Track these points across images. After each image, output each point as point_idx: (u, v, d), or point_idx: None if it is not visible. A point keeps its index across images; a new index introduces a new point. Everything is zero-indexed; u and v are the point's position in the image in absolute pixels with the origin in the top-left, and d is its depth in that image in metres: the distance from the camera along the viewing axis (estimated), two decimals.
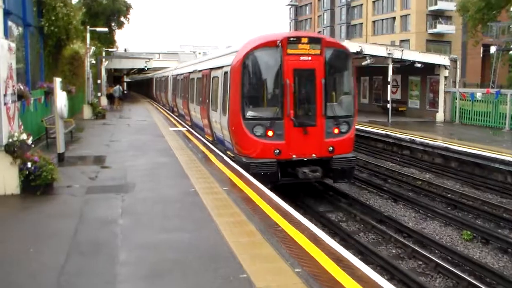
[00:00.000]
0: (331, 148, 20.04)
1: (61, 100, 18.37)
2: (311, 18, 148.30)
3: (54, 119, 21.19)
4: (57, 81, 18.60)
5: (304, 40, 19.50)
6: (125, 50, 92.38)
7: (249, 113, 19.55)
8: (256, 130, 19.45)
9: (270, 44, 19.46)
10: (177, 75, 41.81)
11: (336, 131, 20.17)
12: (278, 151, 19.49)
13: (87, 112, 40.92)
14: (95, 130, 31.20)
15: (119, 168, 17.75)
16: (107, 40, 69.56)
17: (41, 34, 29.48)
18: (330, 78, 20.16)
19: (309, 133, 19.73)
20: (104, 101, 51.81)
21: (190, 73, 32.94)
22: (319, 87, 19.71)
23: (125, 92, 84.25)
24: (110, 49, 67.84)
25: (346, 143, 20.34)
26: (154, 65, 70.75)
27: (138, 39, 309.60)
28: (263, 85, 19.82)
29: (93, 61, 46.97)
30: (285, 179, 19.56)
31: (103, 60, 55.63)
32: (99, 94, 52.05)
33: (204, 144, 23.82)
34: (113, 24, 71.88)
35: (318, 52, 19.62)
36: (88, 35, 44.60)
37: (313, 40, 19.66)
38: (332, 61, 20.02)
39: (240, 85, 19.52)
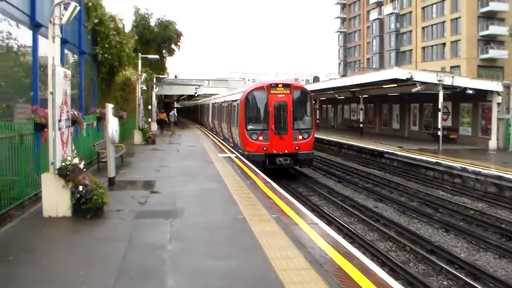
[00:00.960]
0: (297, 147, 32.32)
1: (112, 125, 18.60)
2: (360, 45, 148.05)
3: (106, 144, 21.47)
4: (109, 106, 18.84)
5: (280, 85, 32.60)
6: (176, 76, 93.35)
7: (249, 127, 32.64)
8: (253, 136, 32.38)
9: (261, 88, 32.81)
10: (215, 103, 56.23)
11: (300, 137, 32.43)
12: (265, 148, 32.20)
13: (137, 137, 41.37)
14: (145, 155, 31.51)
15: (168, 194, 17.85)
16: (158, 67, 70.32)
17: (95, 61, 30.06)
18: (296, 107, 32.52)
19: (283, 138, 32.26)
20: (154, 127, 52.33)
21: (221, 102, 47.42)
22: (289, 112, 32.23)
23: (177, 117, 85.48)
24: (160, 76, 68.60)
25: (306, 144, 32.47)
26: (204, 91, 71.20)
27: (189, 65, 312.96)
28: (257, 111, 32.82)
29: (144, 88, 47.52)
30: (270, 166, 32.00)
31: (154, 86, 56.28)
32: (149, 119, 52.59)
33: (253, 171, 23.84)
34: (164, 51, 72.69)
35: (288, 92, 32.43)
36: (139, 62, 45.22)
37: (285, 85, 32.61)
38: (297, 97, 32.58)
39: (244, 111, 32.78)
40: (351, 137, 55.15)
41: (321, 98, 72.90)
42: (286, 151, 32.33)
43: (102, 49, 29.79)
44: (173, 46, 73.85)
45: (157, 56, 53.97)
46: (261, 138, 32.32)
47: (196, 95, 70.05)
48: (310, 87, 51.49)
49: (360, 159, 44.23)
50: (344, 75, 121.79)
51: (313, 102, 34.53)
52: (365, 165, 40.82)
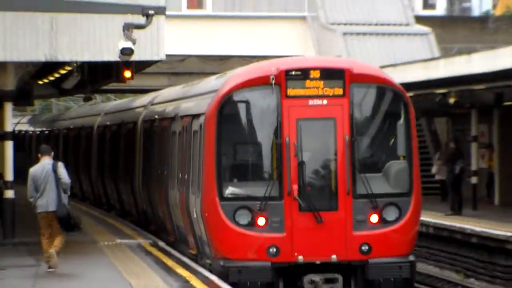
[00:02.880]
0: (365, 247, 13.99)
1: None
2: None
3: None
4: None
5: (315, 72, 14.14)
6: None
7: (230, 189, 14.12)
8: (240, 215, 13.88)
9: (260, 81, 14.21)
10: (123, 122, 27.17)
11: (375, 218, 14.08)
12: (274, 250, 13.81)
13: None
14: None
15: None
16: None
17: None
18: (365, 135, 14.38)
19: (326, 223, 13.88)
20: None
21: (150, 121, 22.32)
22: (342, 148, 13.95)
23: None
24: None
25: (394, 237, 14.16)
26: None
27: None
28: (250, 145, 14.50)
29: None
30: None
31: None
32: None
33: None
34: None
35: (340, 91, 14.07)
36: None
37: (330, 72, 14.26)
38: (369, 106, 14.51)
39: (215, 145, 14.12)
40: None
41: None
42: (334, 257, 13.84)
43: None
44: None
45: None
46: (261, 221, 13.93)
47: None
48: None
49: None
50: None
51: (413, 116, 14.85)
52: None
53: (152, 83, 44.07)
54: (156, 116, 21.15)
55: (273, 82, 13.91)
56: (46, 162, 13.80)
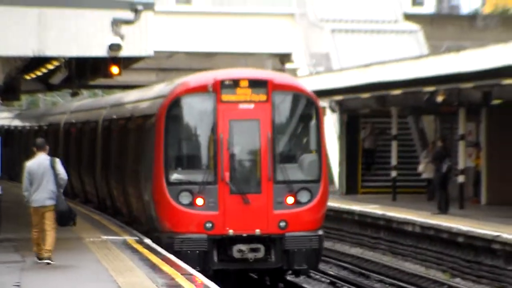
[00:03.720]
0: (283, 222, 17.38)
1: None
2: None
3: None
4: None
5: (244, 82, 17.59)
6: None
7: (174, 176, 17.56)
8: (182, 197, 17.25)
9: (200, 89, 17.74)
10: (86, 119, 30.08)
11: (291, 199, 17.50)
12: (210, 224, 17.19)
13: None
14: None
15: None
16: None
17: None
18: (283, 132, 17.91)
19: (252, 203, 17.27)
20: None
21: (108, 119, 25.60)
22: (265, 143, 17.37)
23: None
24: None
25: (307, 216, 17.61)
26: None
27: None
28: (192, 141, 18.33)
29: None
30: (221, 265, 17.28)
31: None
32: None
33: None
34: None
35: (264, 97, 17.51)
36: None
37: (255, 83, 17.73)
38: (286, 109, 17.99)
39: (164, 140, 17.54)
40: None
41: None
42: (258, 231, 17.30)
43: None
44: None
45: None
46: (200, 201, 17.28)
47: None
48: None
49: None
50: None
51: (322, 118, 18.94)
52: None
53: (139, 78, 43.93)
54: (115, 116, 24.41)
55: (211, 89, 17.36)
56: (43, 157, 13.98)
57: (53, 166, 13.76)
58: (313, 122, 18.13)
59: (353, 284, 21.06)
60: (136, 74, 41.66)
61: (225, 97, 17.44)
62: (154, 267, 13.59)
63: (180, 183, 17.49)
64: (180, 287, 10.95)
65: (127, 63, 21.62)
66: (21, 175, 14.43)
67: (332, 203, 31.14)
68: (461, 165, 28.07)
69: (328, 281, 21.86)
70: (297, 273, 18.84)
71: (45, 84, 33.26)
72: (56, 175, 13.72)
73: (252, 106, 17.52)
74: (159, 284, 11.38)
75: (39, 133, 38.46)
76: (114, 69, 19.16)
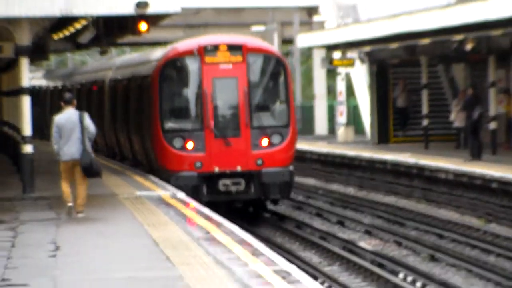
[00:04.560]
0: (259, 160, 21.20)
1: None
2: None
3: None
4: None
5: (223, 47, 21.23)
6: None
7: (168, 125, 21.52)
8: (175, 142, 21.11)
9: (187, 53, 21.55)
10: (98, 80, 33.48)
11: (265, 142, 21.31)
12: (199, 164, 20.99)
13: None
14: None
15: None
16: None
17: None
18: (256, 86, 21.64)
19: (233, 145, 21.13)
20: None
21: (114, 81, 29.52)
22: (242, 96, 21.07)
23: None
24: None
25: (279, 155, 21.47)
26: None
27: None
28: (182, 96, 22.23)
29: None
30: (210, 198, 20.44)
31: None
32: None
33: None
34: None
35: (240, 59, 21.14)
36: None
37: (232, 47, 21.29)
38: (258, 68, 21.73)
39: (159, 96, 21.48)
40: None
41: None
42: (239, 167, 21.08)
43: None
44: None
45: None
46: (190, 145, 21.03)
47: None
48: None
49: None
50: None
51: (290, 75, 22.81)
52: None
53: (167, 35, 43.70)
54: (119, 77, 28.47)
55: (196, 53, 21.21)
56: (71, 111, 14.31)
57: (81, 121, 14.02)
58: (282, 78, 22.00)
59: (389, 232, 21.06)
60: (163, 31, 41.49)
61: (208, 59, 21.08)
62: (189, 221, 13.70)
63: (173, 130, 21.40)
64: (216, 240, 10.96)
65: (154, 20, 21.59)
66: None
67: (365, 153, 31.25)
68: (492, 112, 27.81)
69: (363, 230, 21.89)
70: (274, 202, 22.94)
71: (73, 43, 33.32)
72: (84, 129, 13.97)
73: (230, 66, 21.24)
74: (195, 237, 11.40)
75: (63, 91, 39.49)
76: (142, 26, 19.33)
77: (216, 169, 21.01)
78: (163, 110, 21.54)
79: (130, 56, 33.73)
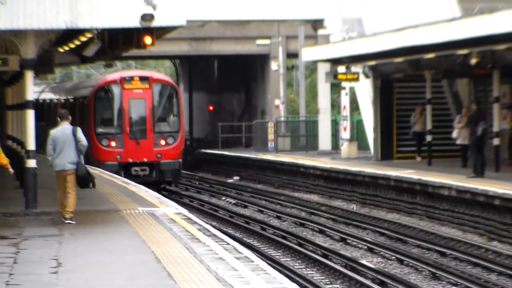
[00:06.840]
0: (159, 155, 31.89)
1: None
2: None
3: None
4: None
5: (136, 78, 32.45)
6: None
7: (99, 130, 32.63)
8: (103, 141, 31.99)
9: (113, 82, 32.84)
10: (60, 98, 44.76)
11: (163, 142, 32.22)
12: (119, 156, 31.79)
13: None
14: None
15: None
16: None
17: None
18: (158, 105, 32.89)
19: (141, 144, 31.84)
20: None
21: (71, 98, 40.13)
22: (148, 111, 32.00)
23: None
24: None
25: (172, 151, 32.36)
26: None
27: None
28: (109, 110, 33.40)
29: None
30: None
31: None
32: None
33: None
34: None
35: (147, 86, 32.15)
36: None
37: (142, 78, 32.41)
38: (159, 92, 32.88)
39: (94, 110, 32.86)
40: None
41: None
42: (145, 159, 32.07)
43: None
44: None
45: None
46: (113, 144, 32.04)
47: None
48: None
49: None
50: None
51: (181, 97, 35.76)
52: None
53: (172, 48, 43.98)
54: (70, 96, 40.68)
55: (118, 82, 32.45)
56: (66, 126, 15.66)
57: (74, 134, 15.29)
58: (174, 99, 33.87)
59: (391, 249, 20.97)
60: (169, 44, 41.69)
61: (126, 86, 32.14)
62: (191, 237, 13.65)
63: (102, 134, 32.41)
64: (218, 257, 10.96)
65: (159, 33, 21.63)
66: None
67: (367, 169, 31.02)
68: (496, 127, 27.68)
69: (366, 247, 21.80)
70: (168, 183, 34.14)
71: (79, 56, 33.43)
72: (77, 142, 15.22)
73: (141, 91, 32.28)
74: (197, 254, 11.43)
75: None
76: (147, 40, 19.47)
77: (130, 160, 31.84)
78: (96, 120, 32.88)
79: (75, 82, 52.36)
